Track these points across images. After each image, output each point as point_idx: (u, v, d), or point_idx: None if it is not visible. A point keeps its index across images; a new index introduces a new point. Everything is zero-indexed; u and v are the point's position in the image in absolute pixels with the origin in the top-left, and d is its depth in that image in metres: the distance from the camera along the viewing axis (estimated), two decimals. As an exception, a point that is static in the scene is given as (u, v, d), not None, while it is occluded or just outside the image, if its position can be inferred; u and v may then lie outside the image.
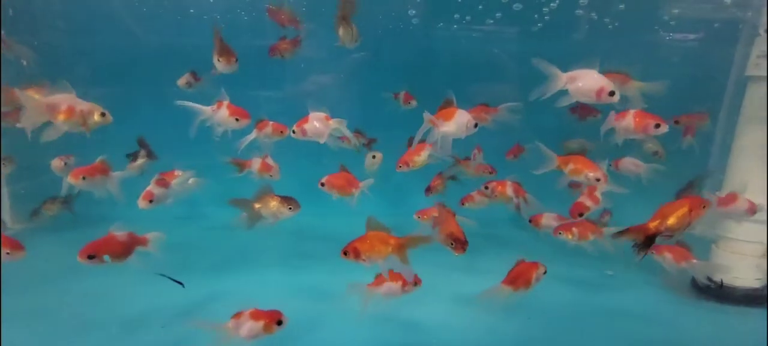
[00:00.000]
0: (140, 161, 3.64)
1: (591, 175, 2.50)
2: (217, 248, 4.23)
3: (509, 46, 5.10)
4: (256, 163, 3.38)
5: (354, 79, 5.02)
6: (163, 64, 4.75)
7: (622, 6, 4.35)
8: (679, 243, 2.99)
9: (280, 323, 2.10)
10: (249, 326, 2.05)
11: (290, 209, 2.65)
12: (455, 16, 4.89)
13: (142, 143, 3.75)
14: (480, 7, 4.66)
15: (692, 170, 3.74)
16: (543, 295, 3.16)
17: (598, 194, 2.90)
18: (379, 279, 2.43)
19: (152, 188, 3.06)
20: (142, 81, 4.87)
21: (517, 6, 4.44)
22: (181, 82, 3.81)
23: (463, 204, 3.67)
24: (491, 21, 4.88)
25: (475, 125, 2.29)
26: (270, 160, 3.38)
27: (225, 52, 2.86)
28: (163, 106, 4.14)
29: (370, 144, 3.95)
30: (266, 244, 4.29)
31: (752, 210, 2.82)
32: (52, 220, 4.03)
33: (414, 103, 3.90)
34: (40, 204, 4.03)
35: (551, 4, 4.45)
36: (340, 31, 3.07)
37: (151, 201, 2.99)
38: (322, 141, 2.73)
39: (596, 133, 3.15)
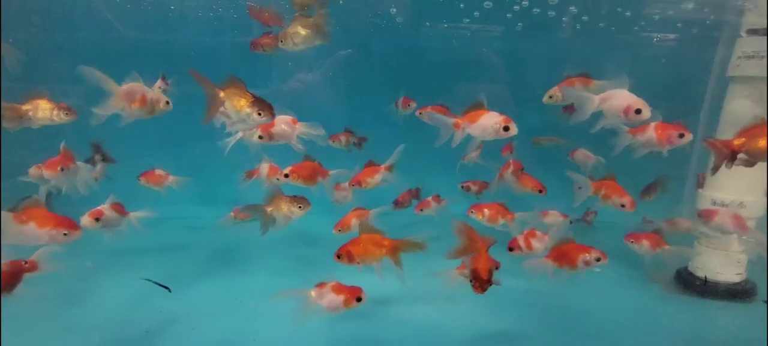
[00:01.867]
0: (98, 166, 3.46)
1: (617, 200, 2.58)
2: (200, 250, 4.15)
3: (495, 44, 5.15)
4: (264, 169, 3.30)
5: (342, 76, 4.98)
6: (143, 60, 4.65)
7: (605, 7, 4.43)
8: (655, 231, 3.11)
9: (359, 299, 2.13)
10: (330, 298, 2.11)
11: (300, 207, 2.59)
12: (438, 13, 4.89)
13: (96, 148, 3.55)
14: (461, 5, 4.68)
15: (674, 168, 3.84)
16: (531, 290, 3.21)
17: (536, 242, 2.76)
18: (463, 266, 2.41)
19: (105, 208, 2.81)
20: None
21: (488, 4, 4.47)
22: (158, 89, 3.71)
23: (420, 210, 3.73)
24: (467, 20, 4.91)
25: (505, 128, 2.15)
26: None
27: (264, 105, 2.13)
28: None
29: (361, 143, 3.92)
30: (249, 244, 4.24)
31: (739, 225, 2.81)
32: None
33: (413, 105, 3.88)
34: (16, 202, 3.89)
35: (523, 3, 4.49)
36: (299, 29, 2.78)
37: (97, 219, 2.74)
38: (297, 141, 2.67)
39: (568, 130, 3.26)
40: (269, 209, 2.57)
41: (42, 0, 4.66)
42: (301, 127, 2.64)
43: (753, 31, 2.98)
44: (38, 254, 2.20)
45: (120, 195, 3.42)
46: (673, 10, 4.54)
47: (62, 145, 2.77)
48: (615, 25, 4.85)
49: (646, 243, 3.00)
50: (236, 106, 1.94)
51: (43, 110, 2.66)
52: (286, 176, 2.78)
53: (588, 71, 2.53)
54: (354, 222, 2.99)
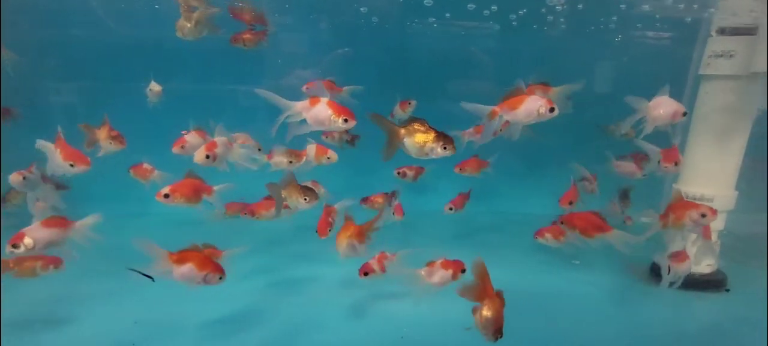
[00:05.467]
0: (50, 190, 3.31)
1: (695, 214, 2.57)
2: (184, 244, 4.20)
3: (485, 43, 5.23)
4: (311, 151, 3.30)
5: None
6: (133, 58, 4.71)
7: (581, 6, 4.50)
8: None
9: (464, 271, 2.34)
10: (440, 273, 2.33)
11: (306, 200, 2.50)
12: (428, 2, 4.94)
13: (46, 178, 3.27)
14: (455, 2, 4.75)
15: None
16: (519, 284, 3.30)
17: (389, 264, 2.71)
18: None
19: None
20: (112, 76, 4.80)
21: (470, 6, 4.53)
22: (154, 91, 3.80)
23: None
24: (446, 17, 4.97)
25: (551, 109, 2.08)
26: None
27: (447, 139, 1.98)
28: (133, 101, 4.12)
29: (353, 140, 3.96)
30: (237, 240, 4.29)
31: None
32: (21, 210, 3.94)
33: (413, 103, 3.90)
34: (7, 191, 3.93)
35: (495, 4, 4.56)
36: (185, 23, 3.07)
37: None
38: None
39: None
40: (284, 194, 2.50)
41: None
42: (237, 149, 2.75)
43: (722, 31, 3.08)
44: None
45: (112, 190, 3.44)
46: (652, 8, 4.63)
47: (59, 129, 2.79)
48: (602, 24, 4.94)
49: (549, 236, 3.13)
50: (419, 142, 1.91)
51: (105, 138, 3.07)
52: (166, 196, 2.53)
53: (548, 79, 2.65)
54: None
